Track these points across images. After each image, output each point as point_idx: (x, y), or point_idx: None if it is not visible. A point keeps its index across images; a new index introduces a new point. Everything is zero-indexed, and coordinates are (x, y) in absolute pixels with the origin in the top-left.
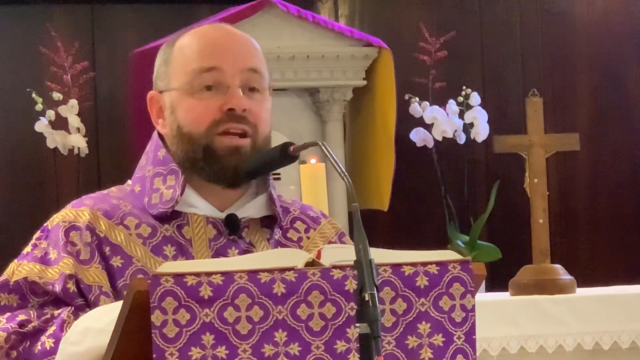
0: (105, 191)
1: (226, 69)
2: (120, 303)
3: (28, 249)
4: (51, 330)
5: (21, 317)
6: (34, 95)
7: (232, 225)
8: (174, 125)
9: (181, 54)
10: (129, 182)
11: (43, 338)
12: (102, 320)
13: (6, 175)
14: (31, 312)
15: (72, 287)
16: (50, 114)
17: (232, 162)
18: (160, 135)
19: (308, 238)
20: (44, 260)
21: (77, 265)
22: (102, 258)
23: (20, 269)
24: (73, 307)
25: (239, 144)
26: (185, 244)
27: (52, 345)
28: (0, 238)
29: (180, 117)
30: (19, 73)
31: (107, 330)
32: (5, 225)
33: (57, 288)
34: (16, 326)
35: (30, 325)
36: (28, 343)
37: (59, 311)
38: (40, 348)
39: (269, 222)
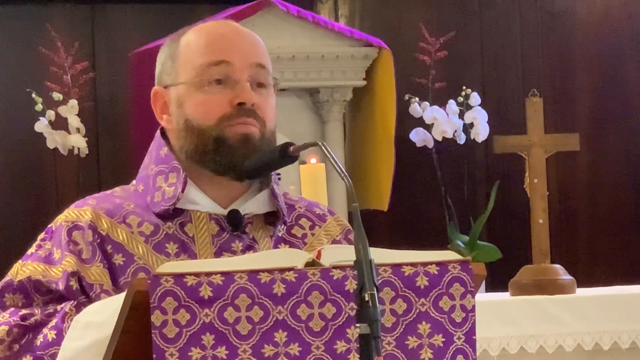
0: (109, 191)
1: (235, 62)
2: (119, 296)
3: (32, 249)
4: (53, 322)
5: (24, 311)
6: (34, 95)
7: (234, 222)
8: (181, 119)
9: (188, 48)
10: (134, 182)
11: (45, 330)
12: (102, 313)
13: (6, 175)
14: (35, 309)
15: (74, 284)
16: (50, 114)
17: (242, 152)
18: (162, 134)
19: (313, 235)
20: (48, 260)
21: (79, 264)
22: (104, 256)
23: (24, 269)
24: (76, 302)
25: (249, 132)
26: (187, 241)
27: (54, 337)
28: (0, 238)
29: (188, 111)
30: (19, 73)
31: (109, 323)
32: (5, 225)
33: (61, 286)
34: (18, 319)
35: (32, 319)
36: (30, 336)
37: (62, 305)
38: (42, 340)
39: (272, 218)
